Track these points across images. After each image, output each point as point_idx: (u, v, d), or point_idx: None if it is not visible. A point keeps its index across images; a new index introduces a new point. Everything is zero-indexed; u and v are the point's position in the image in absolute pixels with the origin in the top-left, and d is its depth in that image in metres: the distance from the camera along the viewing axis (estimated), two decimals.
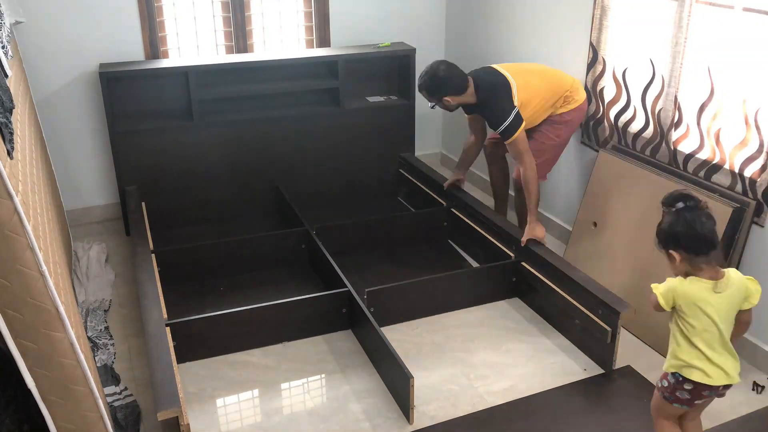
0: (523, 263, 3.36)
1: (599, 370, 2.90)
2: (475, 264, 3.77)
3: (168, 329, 2.74)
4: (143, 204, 3.88)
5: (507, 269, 3.41)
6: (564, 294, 3.08)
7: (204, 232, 4.08)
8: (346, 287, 3.15)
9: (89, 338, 3.11)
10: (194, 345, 2.93)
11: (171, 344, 2.63)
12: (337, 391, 2.80)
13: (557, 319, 3.18)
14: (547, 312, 3.25)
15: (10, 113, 2.08)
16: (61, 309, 1.83)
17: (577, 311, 3.00)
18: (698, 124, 3.05)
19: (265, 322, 3.03)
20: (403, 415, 2.64)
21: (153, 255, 3.30)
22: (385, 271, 3.65)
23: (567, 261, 3.25)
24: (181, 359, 2.85)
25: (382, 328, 2.90)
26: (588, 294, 2.94)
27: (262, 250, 3.68)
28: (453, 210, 3.96)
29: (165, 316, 2.83)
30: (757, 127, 2.78)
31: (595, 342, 2.93)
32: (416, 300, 3.26)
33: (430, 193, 4.21)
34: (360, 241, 3.87)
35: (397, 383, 2.69)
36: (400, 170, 4.56)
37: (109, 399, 2.70)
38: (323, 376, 2.90)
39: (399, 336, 3.13)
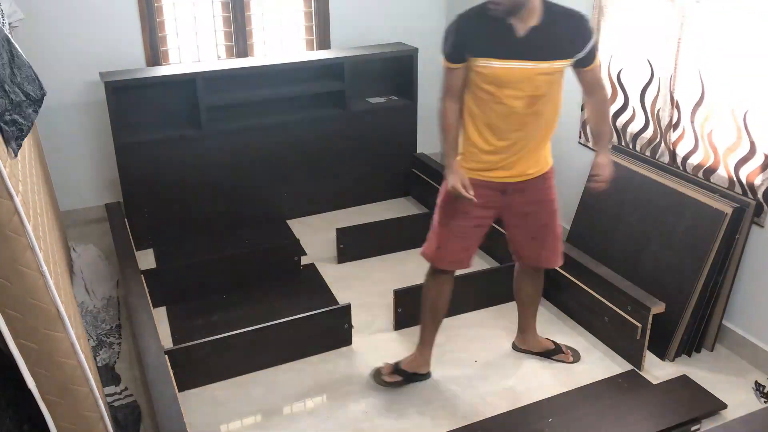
0: None
1: (628, 366, 2.91)
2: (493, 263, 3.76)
3: (167, 357, 2.62)
4: (126, 221, 3.74)
5: None
6: (591, 291, 3.08)
7: (213, 243, 3.99)
8: (350, 302, 3.10)
9: (97, 335, 3.11)
10: (195, 370, 2.81)
11: (171, 373, 2.52)
12: (338, 390, 2.81)
13: (583, 317, 3.18)
14: (571, 310, 3.25)
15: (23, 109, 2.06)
16: (62, 309, 1.83)
17: (605, 308, 3.00)
18: (692, 124, 3.06)
19: (267, 342, 2.93)
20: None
21: (142, 276, 3.18)
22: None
23: (592, 258, 3.20)
24: (182, 387, 2.72)
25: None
26: (616, 290, 2.94)
27: (269, 262, 3.62)
28: None
29: (162, 344, 2.71)
30: (747, 130, 2.78)
31: (624, 339, 2.94)
32: None
33: None
34: (379, 242, 3.86)
35: None
36: (413, 170, 4.55)
37: (109, 399, 2.70)
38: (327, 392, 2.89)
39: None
